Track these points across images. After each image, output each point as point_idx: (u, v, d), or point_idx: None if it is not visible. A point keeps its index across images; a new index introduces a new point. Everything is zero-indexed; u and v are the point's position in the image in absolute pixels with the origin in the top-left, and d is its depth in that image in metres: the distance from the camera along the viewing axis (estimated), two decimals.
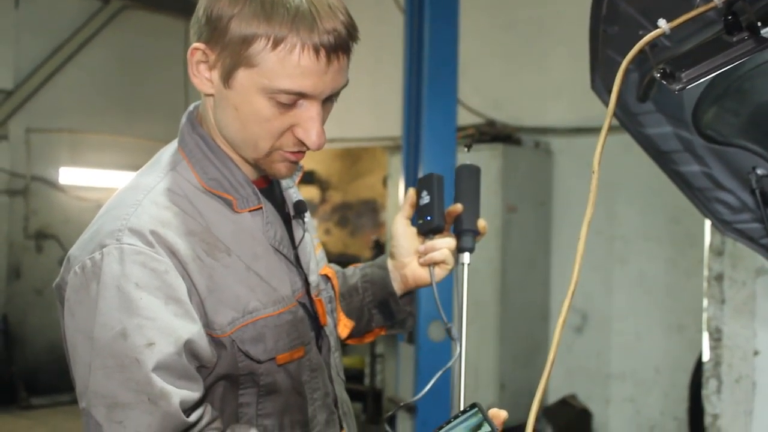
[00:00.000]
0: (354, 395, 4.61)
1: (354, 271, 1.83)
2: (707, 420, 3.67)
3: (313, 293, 1.58)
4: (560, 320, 1.39)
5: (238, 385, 1.45)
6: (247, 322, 1.43)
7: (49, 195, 9.05)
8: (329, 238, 9.17)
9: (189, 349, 1.35)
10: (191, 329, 1.36)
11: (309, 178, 9.10)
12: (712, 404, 3.64)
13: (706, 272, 3.69)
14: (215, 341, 1.40)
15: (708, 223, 3.82)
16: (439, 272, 1.73)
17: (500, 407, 1.43)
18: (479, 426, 1.33)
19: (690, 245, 6.55)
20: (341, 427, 1.65)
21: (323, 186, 9.28)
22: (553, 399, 7.36)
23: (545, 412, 7.35)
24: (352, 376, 7.36)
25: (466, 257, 1.75)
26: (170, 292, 1.36)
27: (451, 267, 1.73)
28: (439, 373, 1.75)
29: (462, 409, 1.40)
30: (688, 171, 2.12)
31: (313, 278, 1.59)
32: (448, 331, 1.77)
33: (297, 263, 1.57)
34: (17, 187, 8.87)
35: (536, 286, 7.03)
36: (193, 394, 1.34)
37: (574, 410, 7.19)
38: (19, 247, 8.91)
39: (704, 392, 3.70)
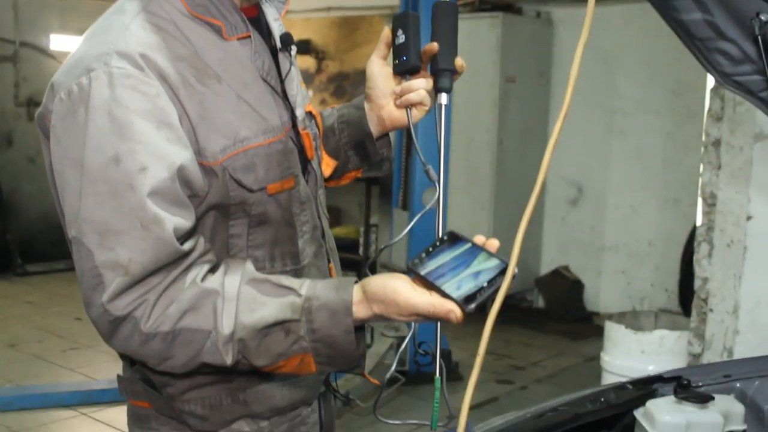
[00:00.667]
0: (348, 265, 4.65)
1: (331, 112, 1.80)
2: (696, 284, 3.71)
3: (300, 127, 1.54)
4: (532, 198, 1.37)
5: (228, 215, 1.43)
6: (238, 151, 1.40)
7: (39, 62, 8.89)
8: (325, 109, 9.05)
9: (182, 175, 1.32)
10: (184, 155, 1.33)
11: (305, 48, 8.93)
12: (702, 268, 3.67)
13: (704, 137, 3.66)
14: (207, 169, 1.37)
15: (708, 90, 3.76)
16: (416, 114, 1.68)
17: None
18: (473, 256, 1.31)
19: (689, 119, 6.50)
20: (329, 261, 1.64)
21: (319, 56, 9.12)
22: (545, 270, 7.45)
23: (537, 282, 7.45)
24: (346, 246, 7.41)
25: (443, 98, 1.69)
26: (162, 116, 1.32)
27: (429, 108, 1.68)
28: (415, 220, 1.71)
29: (439, 237, 1.38)
30: (690, 19, 2.04)
31: (299, 112, 1.55)
32: (427, 172, 1.72)
33: (284, 96, 1.53)
34: (6, 53, 8.72)
35: (533, 157, 7.01)
36: (186, 222, 1.33)
37: (567, 281, 7.29)
38: (10, 115, 8.83)
39: (695, 256, 3.72)
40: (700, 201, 3.66)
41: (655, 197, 6.83)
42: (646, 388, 2.25)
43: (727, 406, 2.12)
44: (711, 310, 3.64)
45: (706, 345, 3.66)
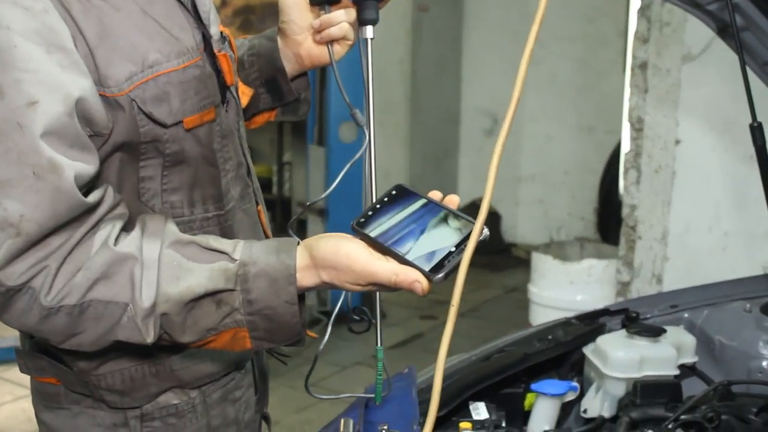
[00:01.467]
0: None
1: (241, 43, 1.58)
2: (624, 211, 3.65)
3: (216, 48, 1.33)
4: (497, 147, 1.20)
5: (138, 155, 1.22)
6: (147, 78, 1.19)
7: None
8: None
9: (81, 109, 1.11)
10: (82, 84, 1.11)
11: None
12: (630, 195, 3.60)
13: (630, 60, 3.55)
14: (110, 102, 1.16)
15: (633, 12, 3.65)
16: (339, 49, 1.49)
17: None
18: (432, 214, 1.14)
19: (603, 44, 6.44)
20: (257, 203, 1.45)
21: None
22: (463, 202, 7.31)
23: None
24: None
25: (369, 31, 1.50)
26: (52, 37, 1.10)
27: (352, 43, 1.49)
28: (349, 165, 1.53)
29: (390, 192, 1.21)
30: None
31: (214, 30, 1.34)
32: (354, 116, 1.54)
33: (195, 12, 1.31)
34: None
35: (447, 88, 6.86)
36: (89, 167, 1.11)
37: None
38: None
39: (623, 183, 3.65)
40: (626, 126, 3.58)
41: (570, 125, 6.78)
42: (593, 323, 2.16)
43: (678, 338, 2.04)
44: (639, 238, 3.59)
45: (635, 273, 3.62)
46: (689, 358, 2.02)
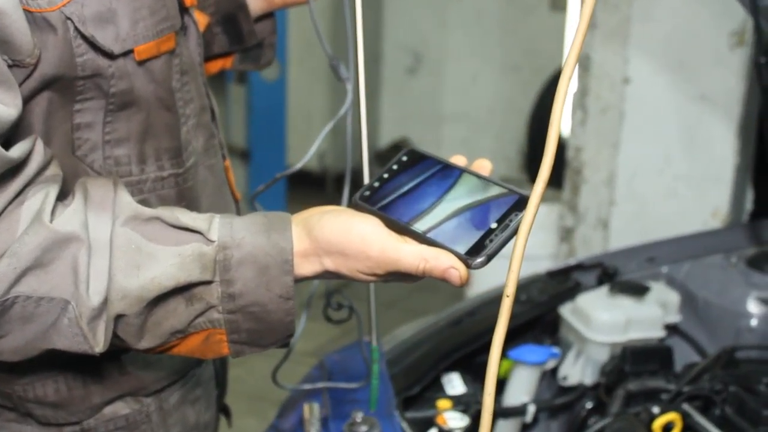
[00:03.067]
0: None
1: None
2: (569, 154, 3.48)
3: None
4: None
5: (73, 95, 0.94)
6: None
7: None
8: None
9: None
10: None
11: None
12: (576, 137, 3.43)
13: None
14: (37, 20, 0.88)
15: None
16: None
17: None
18: (461, 185, 0.90)
19: None
20: (224, 158, 1.19)
21: None
22: (384, 143, 7.15)
23: (376, 156, 7.14)
24: None
25: None
26: None
27: None
28: (331, 123, 1.33)
29: (400, 158, 0.97)
30: None
31: None
32: (334, 67, 1.32)
33: None
34: None
35: (367, 25, 6.53)
36: (8, 109, 0.83)
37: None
38: None
39: (570, 125, 3.48)
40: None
41: (494, 64, 6.59)
42: (567, 279, 1.97)
43: (662, 295, 1.87)
44: (585, 182, 3.43)
45: (580, 218, 3.47)
46: (673, 318, 1.87)
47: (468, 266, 0.84)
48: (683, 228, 3.10)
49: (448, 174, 0.92)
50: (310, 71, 6.33)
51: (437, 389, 1.65)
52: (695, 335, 1.88)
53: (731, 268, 1.92)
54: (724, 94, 3.05)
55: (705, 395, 1.48)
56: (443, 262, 0.84)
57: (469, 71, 6.72)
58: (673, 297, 1.87)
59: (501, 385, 1.79)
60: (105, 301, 0.84)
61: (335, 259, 0.88)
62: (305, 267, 0.89)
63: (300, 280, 0.90)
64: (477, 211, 0.87)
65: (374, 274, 0.88)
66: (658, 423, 1.38)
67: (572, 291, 1.90)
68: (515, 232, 0.84)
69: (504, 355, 1.81)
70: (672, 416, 1.38)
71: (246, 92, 4.82)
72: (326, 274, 0.90)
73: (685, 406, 1.45)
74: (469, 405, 1.59)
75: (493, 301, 1.87)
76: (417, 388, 1.57)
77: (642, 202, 3.33)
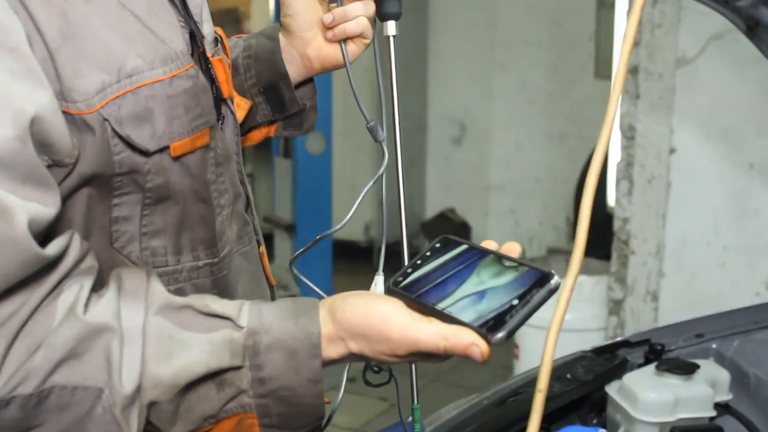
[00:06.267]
0: None
1: (234, 43, 1.33)
2: (616, 225, 3.45)
3: (209, 52, 1.08)
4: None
5: (111, 190, 0.96)
6: (125, 91, 0.93)
7: None
8: None
9: (37, 131, 0.85)
10: (40, 98, 0.85)
11: None
12: (622, 207, 3.40)
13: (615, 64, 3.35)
14: (76, 122, 0.90)
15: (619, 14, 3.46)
16: (354, 49, 1.28)
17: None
18: (488, 267, 0.91)
19: (572, 49, 6.27)
20: (258, 244, 1.20)
21: None
22: (431, 214, 7.16)
23: (423, 226, 7.16)
24: None
25: (391, 27, 1.30)
26: (0, 36, 0.84)
27: (369, 42, 1.27)
28: (367, 188, 1.33)
29: (434, 245, 0.98)
30: None
31: (207, 29, 1.09)
32: (371, 130, 1.33)
33: (184, 8, 1.06)
34: None
35: (413, 95, 6.63)
36: (48, 210, 0.85)
37: (453, 224, 7.02)
38: None
39: (615, 196, 3.46)
40: (618, 134, 3.38)
41: (540, 133, 6.60)
42: (613, 357, 1.93)
43: (712, 373, 1.82)
44: (633, 253, 3.39)
45: (629, 290, 3.42)
46: (723, 396, 1.81)
47: (488, 342, 0.84)
48: (734, 299, 3.04)
49: (475, 257, 0.92)
50: (355, 143, 6.40)
51: None
52: (747, 414, 1.82)
53: None
54: None
55: None
56: (463, 339, 0.84)
57: (514, 140, 6.74)
58: (724, 375, 1.82)
59: None
60: (138, 389, 0.85)
61: (358, 342, 0.89)
62: (332, 350, 0.89)
63: (328, 364, 0.90)
64: (499, 288, 0.87)
65: (396, 356, 0.88)
66: None
67: (619, 369, 1.86)
68: (537, 307, 0.85)
69: None
70: None
71: (291, 165, 4.88)
72: (352, 357, 0.90)
73: None
74: None
75: (533, 383, 1.83)
76: None
77: (691, 273, 3.28)
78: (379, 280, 1.54)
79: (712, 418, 1.77)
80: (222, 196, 1.06)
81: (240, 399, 0.88)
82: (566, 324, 2.96)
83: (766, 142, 3.01)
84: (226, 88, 1.09)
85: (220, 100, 1.07)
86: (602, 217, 5.09)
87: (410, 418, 1.38)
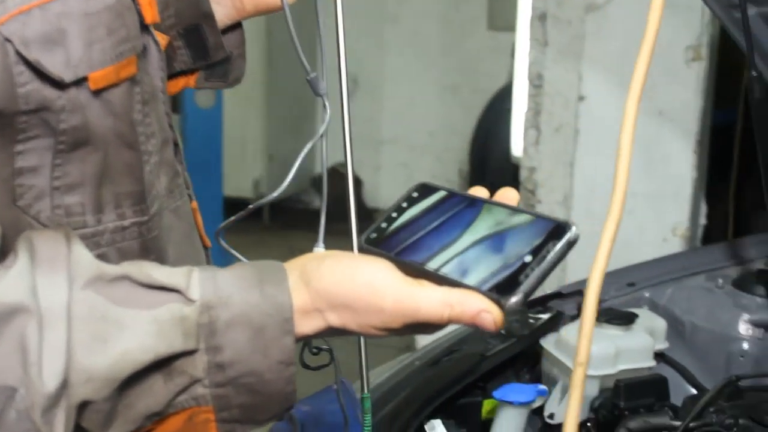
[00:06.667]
0: None
1: None
2: (522, 174, 3.39)
3: None
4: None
5: (14, 134, 0.78)
6: (31, 5, 0.75)
7: None
8: None
9: None
10: None
11: None
12: (529, 157, 3.34)
13: (528, 12, 3.27)
14: None
15: None
16: None
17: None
18: (485, 218, 0.77)
19: (465, 0, 6.19)
20: (190, 198, 1.03)
21: None
22: (321, 169, 7.01)
23: (313, 182, 7.00)
24: None
25: None
26: None
27: None
28: (306, 148, 1.20)
29: (409, 194, 0.84)
30: None
31: None
32: (312, 82, 1.18)
33: None
34: None
35: (304, 47, 6.43)
36: None
37: (345, 178, 6.89)
38: None
39: (522, 144, 3.40)
40: (525, 82, 3.31)
41: (433, 85, 6.52)
42: (546, 309, 1.85)
43: (649, 322, 1.76)
44: (540, 202, 3.34)
45: None
46: (661, 345, 1.75)
47: (502, 308, 0.70)
48: (642, 246, 3.02)
49: (468, 208, 0.78)
50: (244, 97, 6.16)
51: None
52: (684, 362, 1.77)
53: (718, 290, 1.82)
54: (681, 109, 3.00)
55: (715, 431, 1.37)
56: (472, 306, 0.71)
57: (407, 93, 6.64)
58: (661, 323, 1.76)
59: (485, 427, 1.65)
60: (64, 386, 0.67)
61: (341, 314, 0.74)
62: (306, 325, 0.74)
63: (299, 340, 0.75)
64: (506, 244, 0.73)
65: (388, 329, 0.74)
66: None
67: (554, 322, 1.78)
68: (555, 263, 0.71)
69: (487, 394, 1.68)
70: None
71: (180, 120, 4.62)
72: (330, 332, 0.76)
73: None
74: None
75: (468, 339, 1.73)
76: None
77: (600, 221, 3.24)
78: (320, 249, 1.40)
79: (650, 368, 1.71)
80: (149, 141, 0.88)
81: (193, 390, 0.71)
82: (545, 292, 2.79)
83: (676, 89, 2.98)
84: (149, 11, 0.91)
85: (143, 26, 0.89)
86: (508, 168, 5.06)
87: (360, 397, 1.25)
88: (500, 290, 0.70)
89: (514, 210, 0.76)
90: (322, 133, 1.11)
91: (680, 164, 3.03)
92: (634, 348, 1.67)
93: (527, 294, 0.70)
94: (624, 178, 0.66)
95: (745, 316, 1.73)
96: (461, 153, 6.40)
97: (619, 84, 3.11)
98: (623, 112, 0.63)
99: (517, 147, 3.84)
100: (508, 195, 0.79)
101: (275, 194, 1.06)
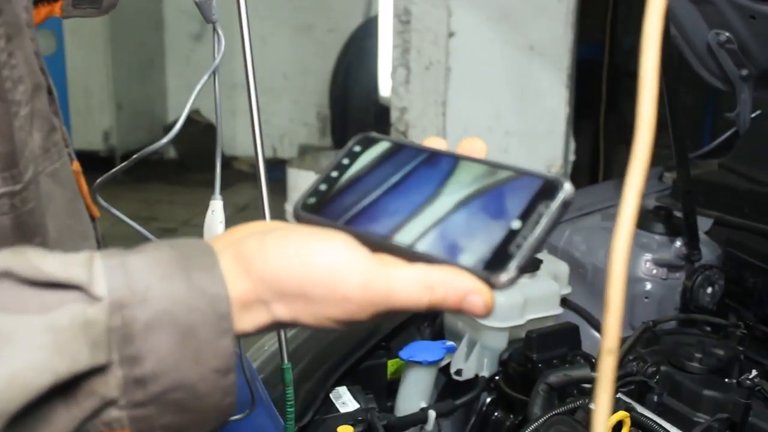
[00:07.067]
0: None
1: None
2: (393, 115, 3.27)
3: None
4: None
5: None
6: None
7: None
8: None
9: None
10: None
11: None
12: (399, 97, 3.23)
13: None
14: None
15: None
16: None
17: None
18: (456, 175, 0.61)
19: None
20: (71, 158, 0.84)
21: None
22: (174, 116, 6.68)
23: (165, 130, 6.67)
24: None
25: None
26: None
27: None
28: (206, 76, 1.07)
29: (350, 148, 0.67)
30: None
31: None
32: (201, 6, 1.03)
33: None
34: None
35: None
36: None
37: (199, 126, 6.59)
38: None
39: (391, 84, 3.27)
40: (391, 19, 3.17)
41: (286, 25, 6.29)
42: None
43: (552, 267, 1.69)
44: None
45: None
46: (564, 290, 1.69)
47: (493, 287, 0.56)
48: None
49: (429, 164, 0.63)
50: (86, 42, 5.75)
51: (328, 408, 1.38)
52: (586, 306, 1.72)
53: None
54: (551, 43, 2.94)
55: (639, 380, 1.31)
56: (458, 287, 0.56)
57: (259, 34, 6.38)
58: (563, 268, 1.69)
59: (391, 388, 1.55)
60: None
61: (292, 305, 0.58)
62: (246, 320, 0.58)
63: (239, 338, 0.60)
64: (486, 208, 0.59)
65: (353, 320, 0.59)
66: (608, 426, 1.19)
67: None
68: (550, 230, 0.57)
69: (390, 353, 1.58)
70: (621, 415, 1.19)
71: None
72: (275, 326, 0.60)
73: (623, 397, 1.27)
74: (370, 422, 1.34)
75: None
76: (309, 415, 1.30)
77: None
78: (217, 206, 1.23)
79: (557, 316, 1.64)
80: (17, 88, 0.69)
81: (105, 414, 0.54)
82: None
83: (546, 23, 2.92)
84: None
85: None
86: (371, 109, 4.93)
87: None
88: (488, 265, 0.56)
89: (489, 165, 0.61)
90: (215, 67, 0.95)
91: (553, 100, 2.99)
92: (542, 296, 1.60)
93: (521, 268, 0.56)
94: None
95: (647, 256, 1.69)
96: (319, 95, 6.23)
97: (489, 19, 3.02)
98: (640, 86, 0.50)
99: (385, 87, 3.71)
100: (474, 146, 0.64)
101: (163, 142, 0.90)
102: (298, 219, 0.64)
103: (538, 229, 0.56)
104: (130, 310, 0.53)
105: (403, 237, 0.59)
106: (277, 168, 5.52)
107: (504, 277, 0.55)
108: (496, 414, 1.56)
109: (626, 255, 0.52)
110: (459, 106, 3.11)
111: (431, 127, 3.18)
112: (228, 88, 6.46)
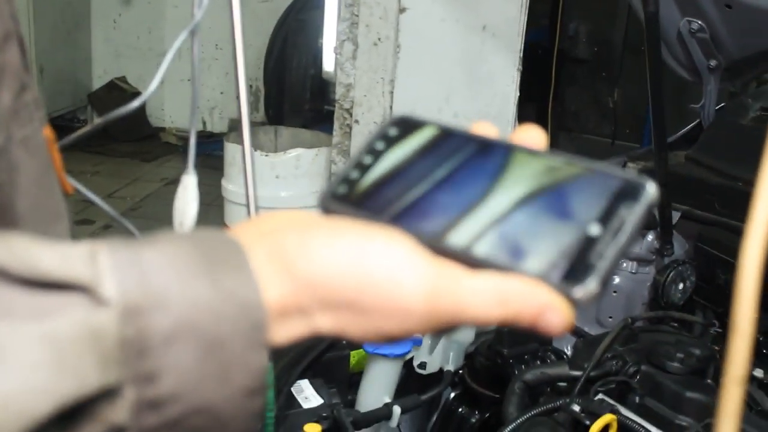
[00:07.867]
0: None
1: None
2: (338, 92, 3.17)
3: None
4: None
5: None
6: None
7: None
8: None
9: None
10: None
11: None
12: (345, 73, 3.12)
13: None
14: None
15: None
16: None
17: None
18: (516, 169, 0.51)
19: None
20: (41, 124, 0.71)
21: None
22: (99, 83, 6.43)
23: (91, 97, 6.42)
24: None
25: None
26: None
27: None
28: (178, 42, 0.90)
29: (385, 131, 0.57)
30: None
31: None
32: None
33: None
34: None
35: None
36: None
37: (125, 94, 6.36)
38: None
39: (336, 59, 3.16)
40: None
41: None
42: None
43: None
44: (357, 122, 3.14)
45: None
46: None
47: (572, 301, 0.48)
48: None
49: (482, 154, 0.54)
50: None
51: (290, 404, 1.29)
52: None
53: None
54: (504, 24, 2.87)
55: (621, 380, 1.25)
56: (535, 302, 0.47)
57: (188, 2, 6.17)
58: None
59: (352, 380, 1.47)
60: None
61: (340, 316, 0.48)
62: (282, 331, 0.48)
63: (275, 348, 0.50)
64: (557, 209, 0.50)
65: (410, 334, 0.50)
66: (594, 430, 1.13)
67: None
68: (634, 237, 0.48)
69: (353, 345, 1.49)
70: (608, 418, 1.13)
71: None
72: (310, 335, 0.50)
73: (608, 399, 1.21)
74: (337, 418, 1.25)
75: None
76: (274, 411, 1.20)
77: None
78: (190, 181, 1.13)
79: None
80: None
81: None
82: (284, 201, 2.65)
83: (499, 3, 2.85)
84: None
85: None
86: (307, 84, 4.81)
87: None
88: (567, 277, 0.48)
89: (553, 159, 0.53)
90: (193, 27, 0.84)
91: (504, 82, 2.93)
92: None
93: (604, 280, 0.48)
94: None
95: None
96: (252, 68, 6.05)
97: None
98: None
99: (329, 62, 3.60)
100: (530, 135, 0.54)
101: (137, 102, 0.79)
102: (327, 210, 0.54)
103: (622, 237, 0.48)
104: (146, 317, 0.42)
105: (460, 238, 0.50)
106: (207, 142, 5.35)
107: (584, 291, 0.47)
108: (460, 410, 1.49)
109: (759, 272, 0.44)
110: (407, 85, 3.02)
111: (378, 105, 3.09)
112: (156, 55, 6.27)
